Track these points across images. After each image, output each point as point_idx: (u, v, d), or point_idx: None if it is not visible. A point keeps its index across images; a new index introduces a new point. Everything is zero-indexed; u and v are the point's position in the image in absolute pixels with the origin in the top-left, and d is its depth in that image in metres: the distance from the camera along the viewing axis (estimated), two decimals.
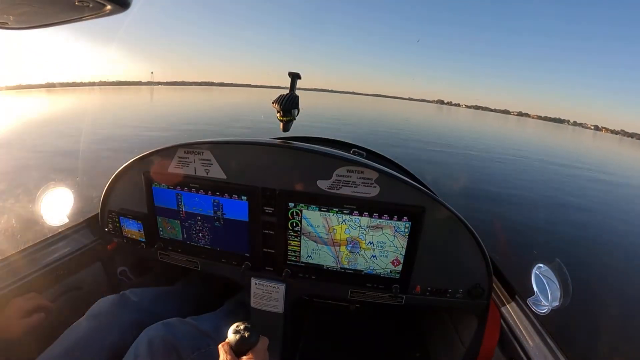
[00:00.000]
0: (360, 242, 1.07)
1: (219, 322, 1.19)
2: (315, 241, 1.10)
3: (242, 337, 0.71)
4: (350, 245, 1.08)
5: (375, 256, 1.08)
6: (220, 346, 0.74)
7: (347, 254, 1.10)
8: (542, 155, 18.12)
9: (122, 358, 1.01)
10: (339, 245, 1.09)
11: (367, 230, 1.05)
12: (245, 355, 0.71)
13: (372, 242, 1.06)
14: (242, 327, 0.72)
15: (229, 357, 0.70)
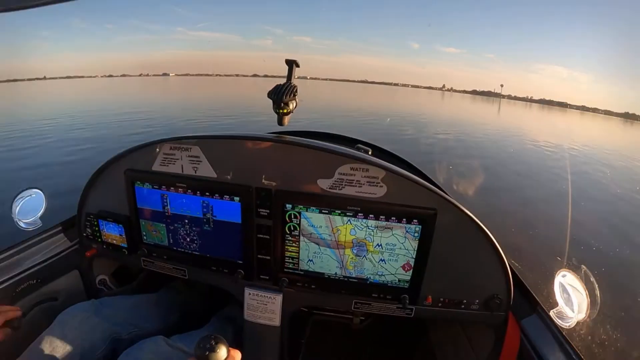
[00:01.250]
0: (368, 245, 1.04)
1: None
2: (317, 243, 1.07)
3: (208, 351, 0.69)
4: (356, 247, 1.05)
5: (384, 260, 1.05)
6: None
7: (352, 258, 1.06)
8: (573, 149, 17.51)
9: None
10: (344, 248, 1.06)
11: (375, 231, 1.01)
12: None
13: (381, 244, 1.03)
14: (208, 340, 0.71)
15: None
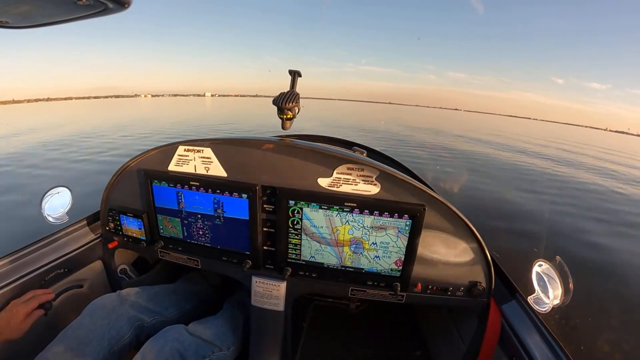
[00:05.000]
0: (364, 243, 1.06)
1: (222, 328, 1.21)
2: (319, 242, 1.09)
3: None
4: (354, 245, 1.07)
5: (378, 257, 1.07)
6: None
7: (350, 255, 1.08)
8: (545, 154, 18.00)
9: (120, 355, 1.02)
10: (343, 246, 1.07)
11: (370, 231, 1.03)
12: None
13: (376, 243, 1.05)
14: None
15: None
